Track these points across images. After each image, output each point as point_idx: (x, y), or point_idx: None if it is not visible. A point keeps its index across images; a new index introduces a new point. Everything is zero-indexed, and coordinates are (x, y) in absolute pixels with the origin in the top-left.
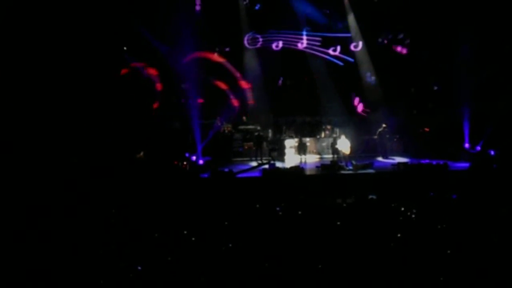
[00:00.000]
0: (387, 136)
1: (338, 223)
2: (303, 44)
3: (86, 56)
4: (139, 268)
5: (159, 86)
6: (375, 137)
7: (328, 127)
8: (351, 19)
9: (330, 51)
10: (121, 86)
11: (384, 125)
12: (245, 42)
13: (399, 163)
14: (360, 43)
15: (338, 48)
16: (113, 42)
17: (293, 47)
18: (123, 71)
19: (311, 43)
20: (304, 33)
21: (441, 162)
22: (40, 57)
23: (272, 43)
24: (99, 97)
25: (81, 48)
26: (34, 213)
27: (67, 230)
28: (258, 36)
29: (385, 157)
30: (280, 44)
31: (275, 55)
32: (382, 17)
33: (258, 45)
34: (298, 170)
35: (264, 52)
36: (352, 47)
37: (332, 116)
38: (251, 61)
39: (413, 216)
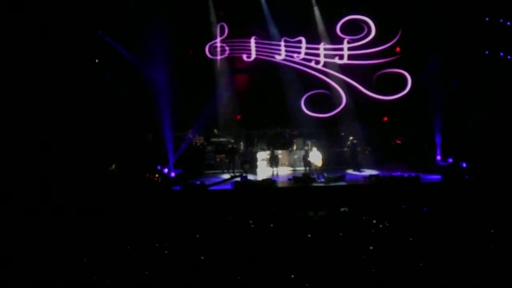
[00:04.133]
0: (358, 148)
1: (309, 235)
2: (281, 55)
3: (57, 66)
4: (108, 282)
5: None
6: (346, 149)
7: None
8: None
9: (312, 64)
10: (92, 98)
11: (351, 138)
12: (207, 51)
13: (371, 176)
14: (345, 55)
15: (322, 60)
16: (84, 54)
17: (268, 58)
18: None
19: (290, 55)
20: (283, 43)
21: (413, 175)
22: (13, 66)
23: (243, 53)
24: (71, 108)
25: (53, 57)
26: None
27: (37, 243)
28: (224, 45)
29: (356, 169)
30: (253, 55)
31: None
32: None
33: (226, 54)
34: (270, 182)
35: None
36: (336, 59)
37: (304, 128)
38: (223, 70)
39: (385, 228)
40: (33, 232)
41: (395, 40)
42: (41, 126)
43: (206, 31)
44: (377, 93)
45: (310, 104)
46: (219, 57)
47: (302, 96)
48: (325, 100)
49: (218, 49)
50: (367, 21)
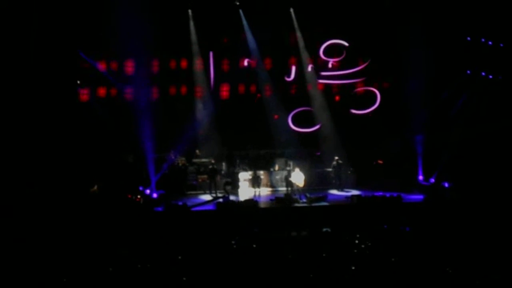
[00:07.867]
0: (342, 168)
1: (290, 256)
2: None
3: (39, 86)
4: None
5: None
6: (330, 169)
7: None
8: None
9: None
10: (75, 119)
11: (336, 157)
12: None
13: (353, 196)
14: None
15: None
16: (65, 73)
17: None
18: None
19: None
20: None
21: (395, 195)
22: None
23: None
24: (53, 130)
25: (35, 76)
26: None
27: (19, 263)
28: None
29: (340, 189)
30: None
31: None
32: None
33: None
34: (252, 203)
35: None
36: (309, 68)
37: (286, 149)
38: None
39: (367, 248)
40: (15, 253)
41: (366, 64)
42: (23, 148)
43: (187, 50)
44: (355, 108)
45: (294, 121)
46: (212, 81)
47: (284, 115)
48: (307, 116)
49: (212, 72)
50: (345, 45)
